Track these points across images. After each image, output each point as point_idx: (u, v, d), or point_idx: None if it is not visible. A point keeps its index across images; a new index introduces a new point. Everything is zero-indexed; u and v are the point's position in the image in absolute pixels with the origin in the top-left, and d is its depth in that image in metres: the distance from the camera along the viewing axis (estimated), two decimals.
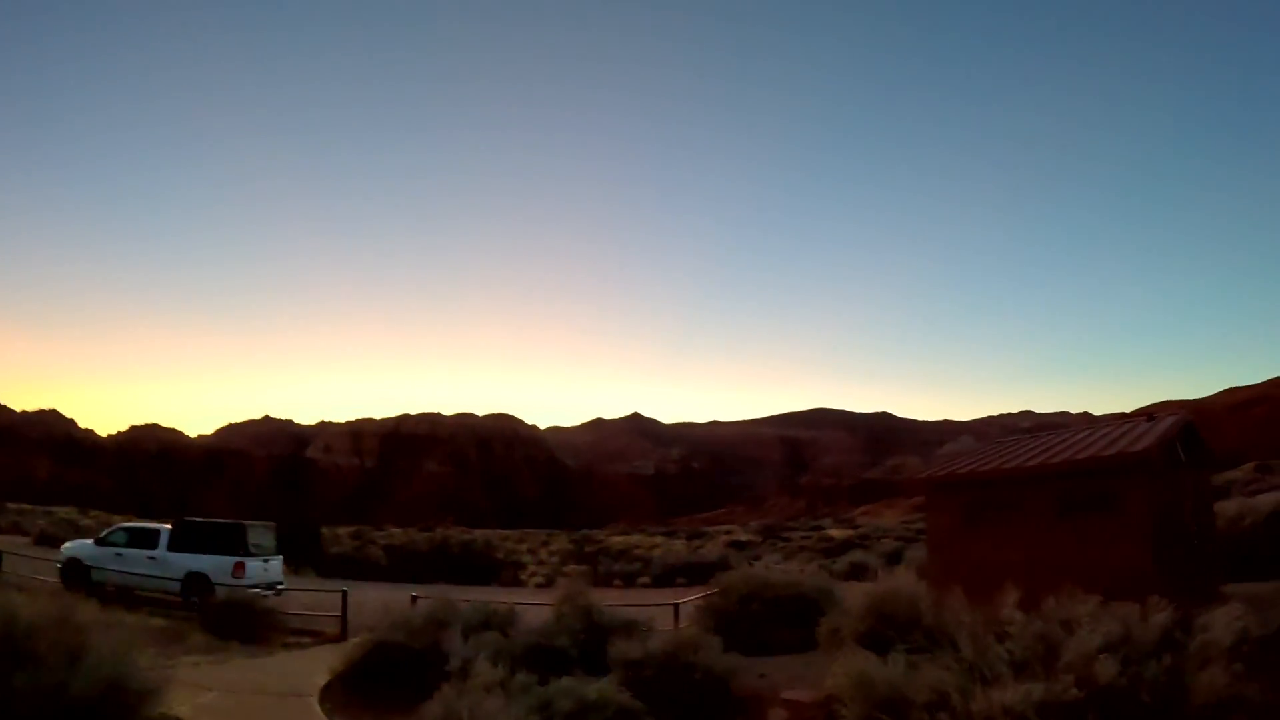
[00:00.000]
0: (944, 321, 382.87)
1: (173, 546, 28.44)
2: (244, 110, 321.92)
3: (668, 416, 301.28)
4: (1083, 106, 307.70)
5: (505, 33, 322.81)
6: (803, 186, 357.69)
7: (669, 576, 44.52)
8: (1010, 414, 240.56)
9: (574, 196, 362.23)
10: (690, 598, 24.11)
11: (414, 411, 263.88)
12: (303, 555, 42.14)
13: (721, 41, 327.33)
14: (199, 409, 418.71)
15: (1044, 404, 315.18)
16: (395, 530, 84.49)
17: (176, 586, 26.99)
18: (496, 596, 22.47)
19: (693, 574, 42.64)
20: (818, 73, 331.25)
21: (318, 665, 16.74)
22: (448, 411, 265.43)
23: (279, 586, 28.70)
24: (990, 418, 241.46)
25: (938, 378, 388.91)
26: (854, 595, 16.19)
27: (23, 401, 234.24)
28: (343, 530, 74.27)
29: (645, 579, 44.96)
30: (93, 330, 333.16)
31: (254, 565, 27.79)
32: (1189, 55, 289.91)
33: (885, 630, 12.88)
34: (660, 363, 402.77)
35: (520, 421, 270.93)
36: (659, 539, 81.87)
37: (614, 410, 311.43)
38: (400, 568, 45.00)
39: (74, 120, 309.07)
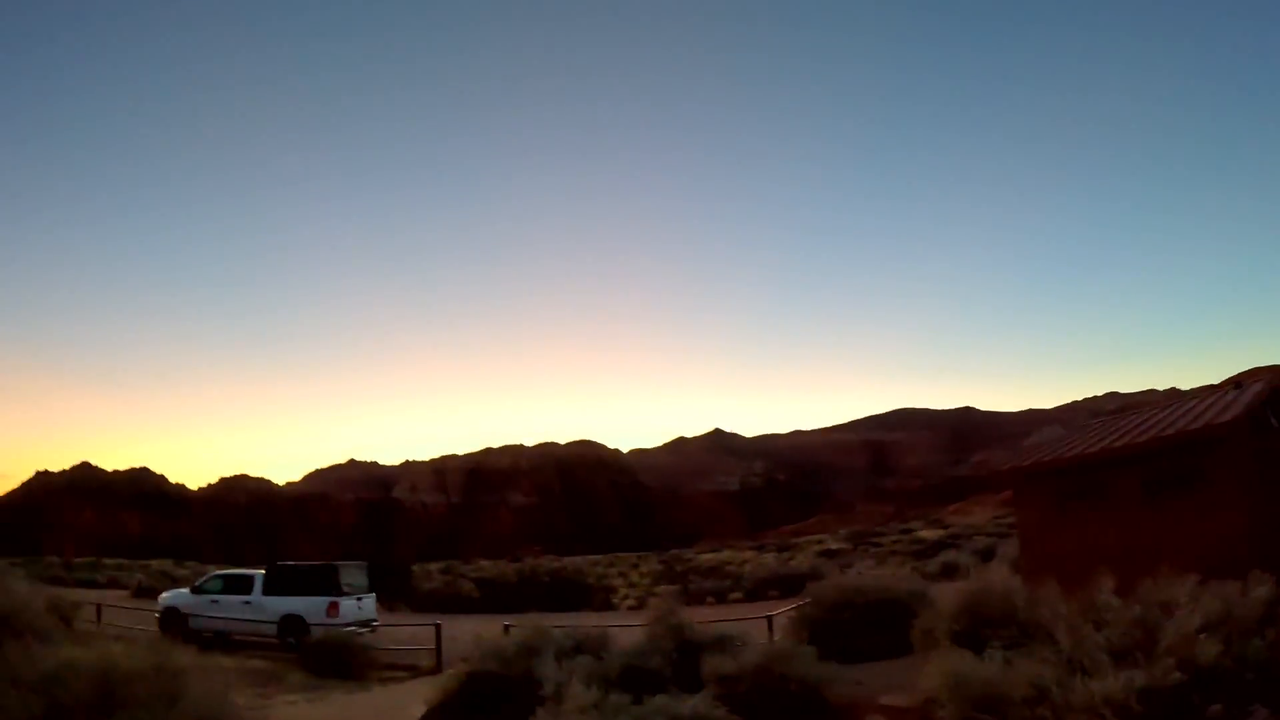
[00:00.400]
0: (1020, 309, 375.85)
1: (267, 590, 28.87)
2: (307, 153, 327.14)
3: (748, 430, 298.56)
4: (1147, 80, 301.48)
5: (572, 61, 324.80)
6: (868, 186, 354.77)
7: (761, 590, 44.23)
8: (1095, 397, 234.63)
9: (639, 216, 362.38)
10: (782, 609, 23.93)
11: (496, 445, 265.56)
12: (395, 593, 42.58)
13: (777, 49, 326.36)
14: (286, 457, 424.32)
15: (1129, 384, 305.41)
16: (485, 563, 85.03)
17: (273, 629, 27.46)
18: (588, 621, 22.48)
19: (784, 586, 42.30)
20: (860, 74, 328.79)
21: (414, 698, 16.84)
22: (529, 442, 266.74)
23: (373, 624, 28.99)
24: (1075, 403, 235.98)
25: (1018, 367, 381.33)
26: (947, 595, 15.96)
27: (114, 461, 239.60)
28: (433, 566, 74.90)
29: (737, 594, 44.69)
30: (177, 387, 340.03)
31: (348, 604, 28.05)
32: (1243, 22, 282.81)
33: (980, 628, 12.68)
34: (737, 376, 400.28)
35: (602, 447, 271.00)
36: (748, 554, 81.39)
37: (694, 428, 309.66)
38: (492, 599, 45.12)
39: (139, 175, 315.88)
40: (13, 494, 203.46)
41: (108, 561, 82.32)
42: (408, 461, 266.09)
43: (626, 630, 18.17)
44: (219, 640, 26.58)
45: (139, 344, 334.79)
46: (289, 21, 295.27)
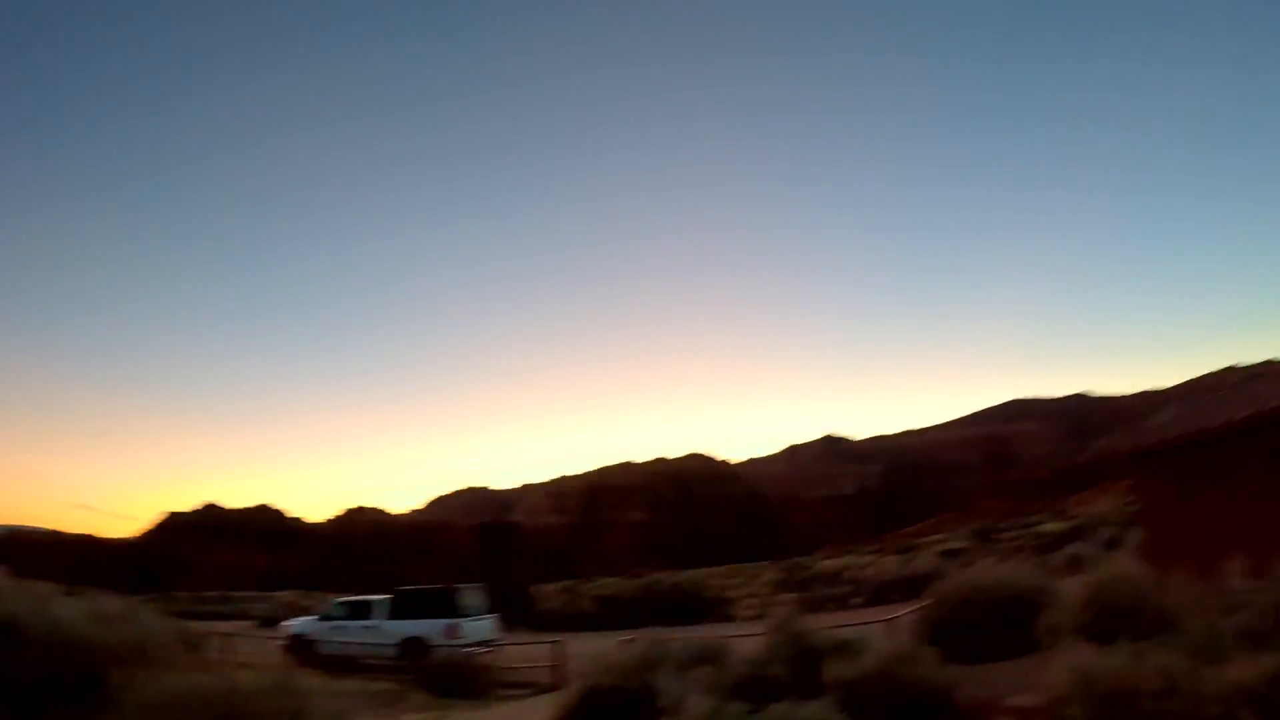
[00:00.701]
0: (1131, 287, 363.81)
1: (389, 615, 29.61)
2: (413, 191, 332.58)
3: (860, 432, 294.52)
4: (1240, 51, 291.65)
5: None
6: (968, 173, 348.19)
7: (882, 594, 43.70)
8: (1214, 372, 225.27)
9: (743, 225, 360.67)
10: (904, 612, 23.58)
11: (612, 462, 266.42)
12: (515, 613, 42.96)
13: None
14: (405, 486, 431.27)
15: (1249, 354, 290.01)
16: (604, 580, 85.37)
17: (395, 651, 28.05)
18: (709, 633, 22.37)
19: (906, 589, 41.77)
20: (937, 66, 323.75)
21: (533, 714, 16.95)
22: (644, 458, 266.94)
23: (493, 643, 29.34)
24: (1194, 380, 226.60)
25: (1132, 348, 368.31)
26: (1073, 589, 15.53)
27: (238, 500, 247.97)
28: (553, 586, 75.44)
29: (858, 599, 44.29)
30: (296, 425, 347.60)
31: (468, 625, 28.59)
32: None
33: (1108, 620, 12.29)
34: (846, 379, 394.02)
35: (715, 459, 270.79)
36: (869, 558, 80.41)
37: (806, 434, 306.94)
38: (611, 616, 45.22)
39: (237, 216, 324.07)
40: (144, 536, 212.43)
41: (235, 594, 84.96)
42: (525, 485, 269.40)
43: (747, 640, 18.05)
44: (344, 664, 27.25)
45: (256, 385, 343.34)
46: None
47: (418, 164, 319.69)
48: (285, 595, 78.23)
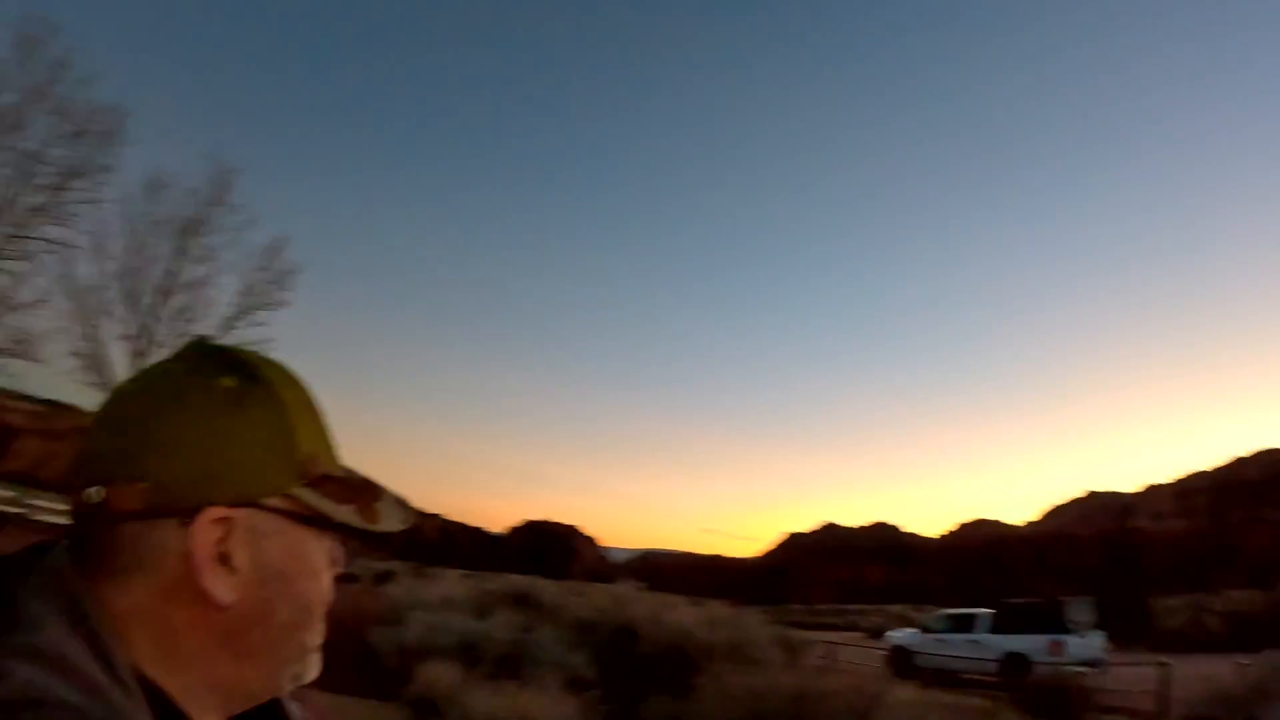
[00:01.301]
0: None
1: (991, 629, 29.64)
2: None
3: None
4: None
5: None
6: None
7: None
8: None
9: None
10: None
11: (1246, 453, 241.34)
12: (1131, 630, 40.84)
13: None
14: (1025, 496, 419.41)
15: None
16: (1234, 594, 78.17)
17: (994, 667, 27.91)
18: None
19: None
20: None
21: None
22: None
23: (1099, 663, 28.15)
24: None
25: None
26: None
27: (856, 519, 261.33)
28: (1176, 600, 70.43)
29: None
30: (914, 442, 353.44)
31: (1072, 642, 27.70)
32: None
33: None
34: None
35: None
36: None
37: None
38: (1242, 635, 41.35)
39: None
40: (767, 555, 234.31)
41: (848, 607, 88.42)
42: (1149, 486, 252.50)
43: None
44: (943, 677, 27.55)
45: (870, 407, 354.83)
46: None
47: (1000, 174, 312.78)
48: (895, 608, 79.88)
